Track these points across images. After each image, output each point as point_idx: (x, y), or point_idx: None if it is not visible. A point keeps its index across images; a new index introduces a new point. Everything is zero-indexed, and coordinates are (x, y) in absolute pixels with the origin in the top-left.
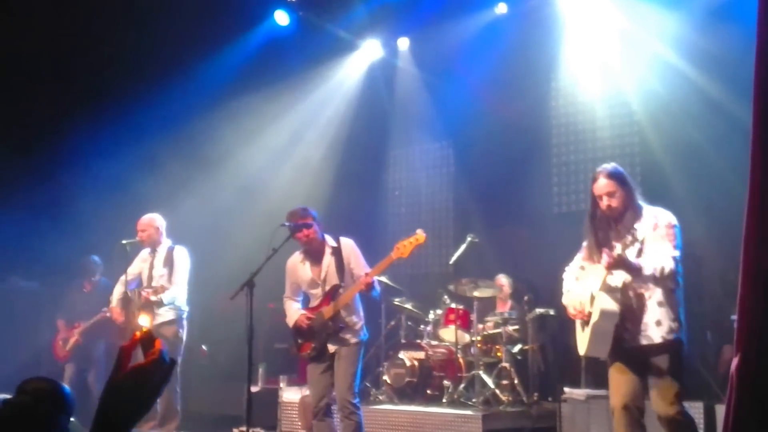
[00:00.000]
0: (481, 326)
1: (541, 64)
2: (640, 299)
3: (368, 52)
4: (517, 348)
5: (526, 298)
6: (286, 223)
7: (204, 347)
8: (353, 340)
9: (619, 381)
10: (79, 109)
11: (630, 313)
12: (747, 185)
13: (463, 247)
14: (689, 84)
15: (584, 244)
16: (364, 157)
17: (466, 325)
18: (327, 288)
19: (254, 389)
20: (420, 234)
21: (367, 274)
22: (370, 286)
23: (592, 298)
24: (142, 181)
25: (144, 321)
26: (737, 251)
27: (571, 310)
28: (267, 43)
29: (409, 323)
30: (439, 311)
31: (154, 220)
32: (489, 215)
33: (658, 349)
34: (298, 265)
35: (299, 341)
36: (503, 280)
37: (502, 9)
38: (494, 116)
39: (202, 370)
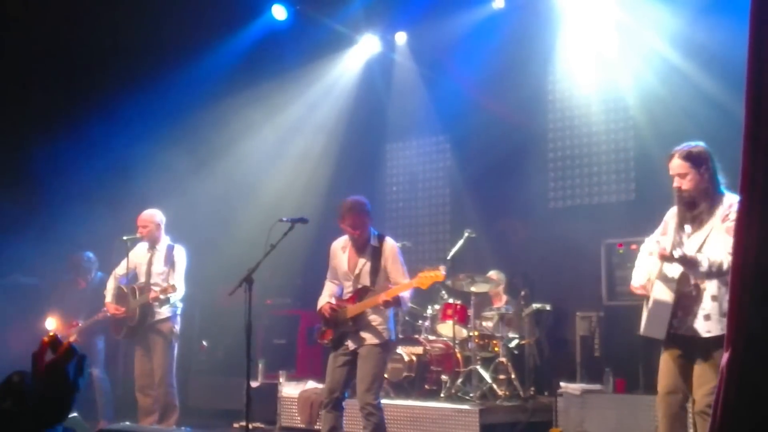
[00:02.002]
0: (478, 321)
1: (538, 59)
2: (697, 289)
3: (366, 46)
4: (513, 343)
5: (522, 293)
6: (284, 219)
7: (204, 342)
8: (375, 341)
9: (664, 370)
10: (79, 101)
11: (685, 301)
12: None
13: (460, 242)
14: (685, 78)
15: (665, 218)
16: (361, 152)
17: (463, 320)
18: (358, 286)
19: (254, 384)
20: (440, 272)
21: (386, 293)
22: (387, 305)
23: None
24: (141, 175)
25: (50, 324)
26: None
27: (635, 284)
28: (265, 37)
29: (407, 318)
30: (436, 306)
31: (155, 216)
32: (485, 210)
33: (703, 344)
34: (338, 251)
35: (323, 328)
36: (495, 275)
37: (499, 3)
38: (491, 111)
39: (201, 364)
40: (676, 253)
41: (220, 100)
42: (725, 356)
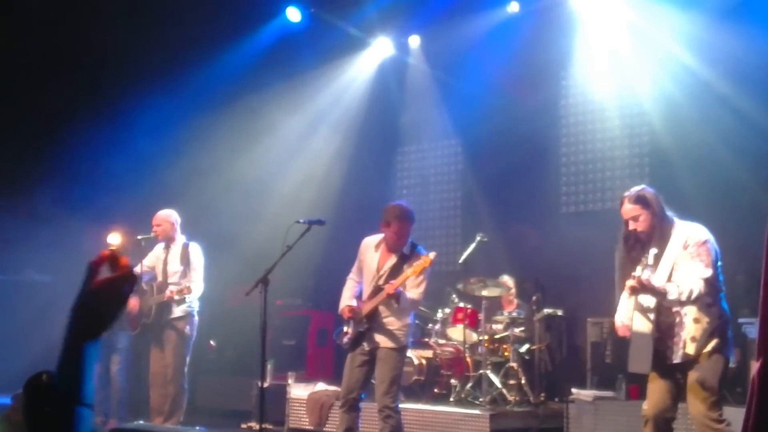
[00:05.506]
0: (489, 325)
1: (552, 63)
2: (678, 316)
3: (379, 49)
4: (524, 348)
5: (534, 298)
6: (301, 220)
7: (212, 342)
8: (393, 345)
9: (653, 391)
10: (98, 99)
11: (670, 330)
12: (760, 186)
13: (472, 246)
14: (701, 83)
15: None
16: (373, 154)
17: (474, 324)
18: (376, 285)
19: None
20: (429, 257)
21: (388, 285)
22: (392, 297)
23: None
24: (156, 174)
25: (113, 239)
26: (747, 252)
27: (618, 324)
28: (279, 39)
29: (418, 321)
30: (447, 310)
31: (169, 215)
32: (497, 214)
33: (695, 362)
34: (371, 248)
35: (344, 328)
36: (506, 280)
37: (514, 8)
38: (503, 115)
39: (209, 364)
40: (644, 276)
41: (234, 101)
42: (756, 366)
